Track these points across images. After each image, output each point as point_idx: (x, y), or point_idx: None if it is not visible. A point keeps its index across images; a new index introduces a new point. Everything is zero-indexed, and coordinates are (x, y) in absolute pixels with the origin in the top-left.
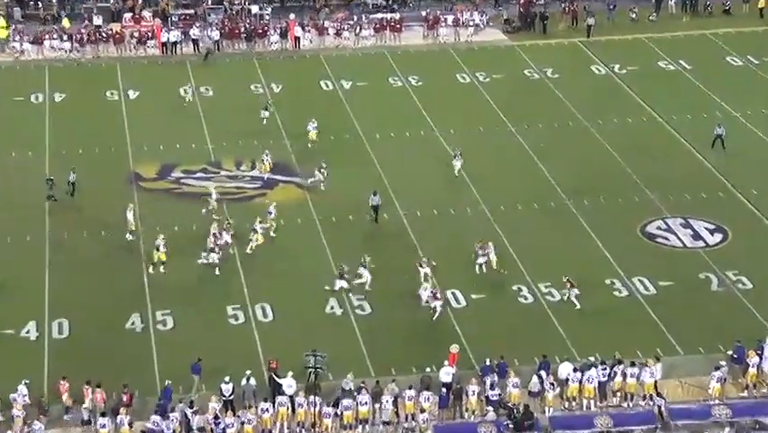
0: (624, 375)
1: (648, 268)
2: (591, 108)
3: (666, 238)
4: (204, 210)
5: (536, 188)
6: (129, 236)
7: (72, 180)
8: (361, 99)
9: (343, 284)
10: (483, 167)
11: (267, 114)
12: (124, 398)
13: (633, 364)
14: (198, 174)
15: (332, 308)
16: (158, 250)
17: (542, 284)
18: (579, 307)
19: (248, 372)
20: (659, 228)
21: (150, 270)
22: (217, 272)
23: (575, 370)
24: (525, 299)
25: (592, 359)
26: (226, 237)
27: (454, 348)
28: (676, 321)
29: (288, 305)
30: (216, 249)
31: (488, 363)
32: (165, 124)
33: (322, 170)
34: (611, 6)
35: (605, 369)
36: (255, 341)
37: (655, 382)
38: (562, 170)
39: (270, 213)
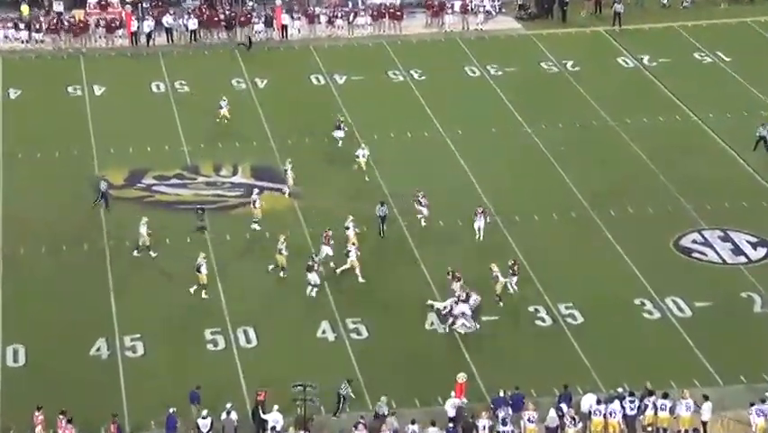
0: (655, 408)
1: (683, 287)
2: (618, 106)
3: (703, 253)
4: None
5: (556, 197)
6: (136, 253)
7: (103, 190)
8: (357, 96)
9: (315, 279)
10: (495, 172)
11: (341, 134)
12: (112, 428)
13: (666, 396)
14: (173, 180)
15: (323, 332)
16: (199, 271)
17: (562, 305)
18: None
19: (228, 405)
20: (695, 242)
21: (200, 292)
22: (313, 294)
23: (599, 402)
24: (543, 321)
25: (619, 390)
26: (327, 250)
27: (461, 377)
28: (714, 347)
29: (274, 329)
30: (315, 265)
31: (501, 394)
32: (135, 124)
33: (286, 171)
34: None
35: (633, 401)
36: (237, 369)
37: (704, 423)
38: (584, 175)
39: (348, 228)
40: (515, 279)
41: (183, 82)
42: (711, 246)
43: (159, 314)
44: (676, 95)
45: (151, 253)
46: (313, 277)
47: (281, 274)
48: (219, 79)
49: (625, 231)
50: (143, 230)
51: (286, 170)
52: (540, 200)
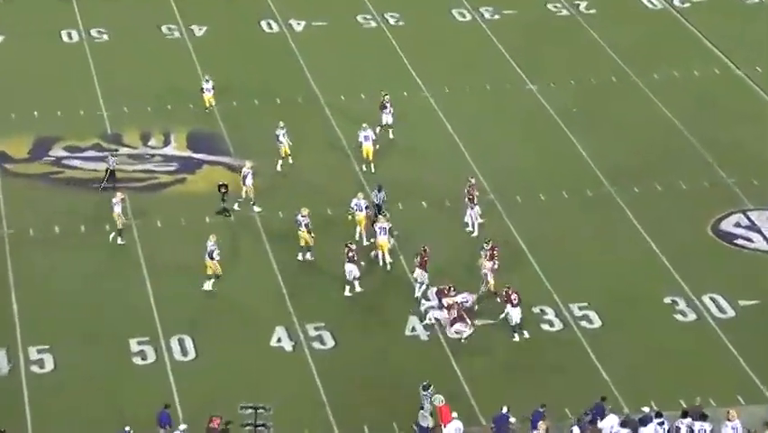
0: (691, 431)
1: (724, 281)
2: (642, 57)
3: (748, 239)
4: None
5: (566, 171)
6: (120, 240)
7: (112, 167)
8: (319, 47)
9: (354, 271)
10: (491, 141)
11: (389, 118)
12: None
13: (703, 417)
14: (88, 152)
15: (278, 340)
16: (212, 258)
17: (575, 305)
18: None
19: (161, 431)
20: (738, 225)
21: (209, 286)
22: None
23: (623, 424)
24: (552, 325)
25: (646, 410)
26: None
27: (438, 400)
28: (763, 354)
29: (217, 337)
30: (353, 257)
31: (504, 410)
32: (41, 82)
33: (280, 137)
34: None
35: (662, 423)
36: (170, 388)
37: None
38: (602, 144)
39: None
40: (489, 266)
41: (101, 30)
42: (758, 231)
43: (72, 320)
44: (714, 42)
45: (120, 239)
46: (351, 269)
47: (208, 284)
48: (145, 26)
49: (652, 212)
50: (118, 209)
51: (277, 136)
52: (547, 176)
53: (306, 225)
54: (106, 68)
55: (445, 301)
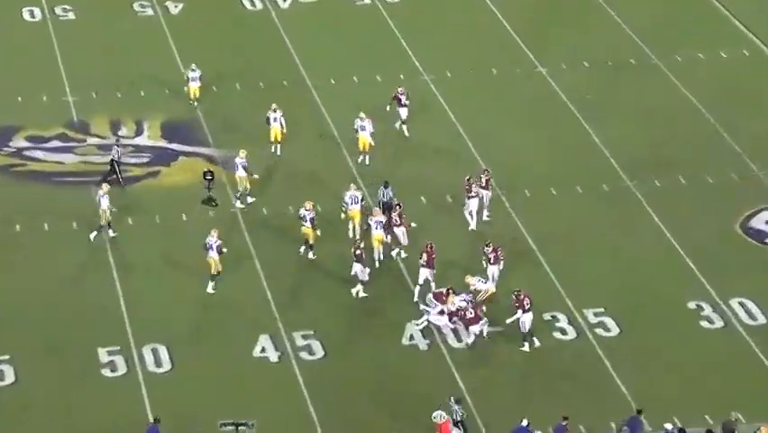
0: None
1: (754, 284)
2: (664, 37)
3: None
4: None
5: (580, 163)
6: (110, 232)
7: (116, 158)
8: (307, 25)
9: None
10: (497, 131)
11: (404, 111)
12: None
13: None
14: (53, 143)
15: (263, 350)
16: (220, 252)
17: (590, 311)
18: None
19: None
20: None
21: (210, 289)
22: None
23: None
24: (564, 333)
25: (668, 427)
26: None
27: (439, 417)
28: None
29: (195, 346)
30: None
31: (525, 423)
32: (0, 65)
33: (271, 120)
34: None
35: None
36: (143, 402)
37: None
38: (619, 132)
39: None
40: (495, 269)
41: (67, 7)
42: None
43: (35, 327)
44: (743, 21)
45: (111, 232)
46: (359, 269)
47: (211, 286)
48: (116, 3)
49: (675, 208)
50: (105, 203)
51: (269, 119)
52: (559, 168)
53: (312, 220)
54: (72, 49)
55: (446, 308)
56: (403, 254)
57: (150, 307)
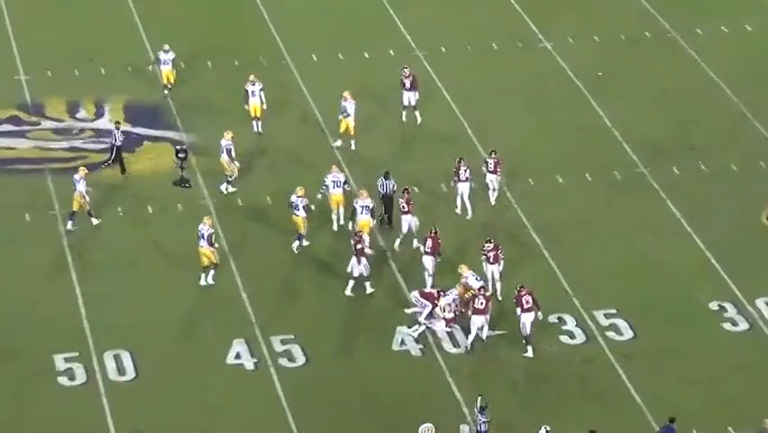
0: None
1: None
2: (684, 8)
3: None
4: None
5: (590, 148)
6: (70, 226)
7: (119, 143)
8: None
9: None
10: (498, 112)
11: (412, 95)
12: None
13: None
14: (4, 126)
15: (237, 356)
16: (212, 245)
17: (600, 312)
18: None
19: None
20: None
21: (208, 280)
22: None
23: None
24: (572, 336)
25: None
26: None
27: (427, 429)
28: None
29: (161, 352)
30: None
31: (545, 431)
32: None
33: (250, 94)
34: None
35: None
36: (103, 414)
37: None
38: (633, 114)
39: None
40: (495, 269)
41: None
42: None
43: None
44: None
45: (94, 219)
46: (363, 267)
47: (205, 278)
48: None
49: (696, 199)
50: (81, 187)
51: (247, 93)
52: (566, 153)
53: (305, 208)
54: (25, 22)
55: (439, 312)
56: (415, 244)
57: (113, 309)
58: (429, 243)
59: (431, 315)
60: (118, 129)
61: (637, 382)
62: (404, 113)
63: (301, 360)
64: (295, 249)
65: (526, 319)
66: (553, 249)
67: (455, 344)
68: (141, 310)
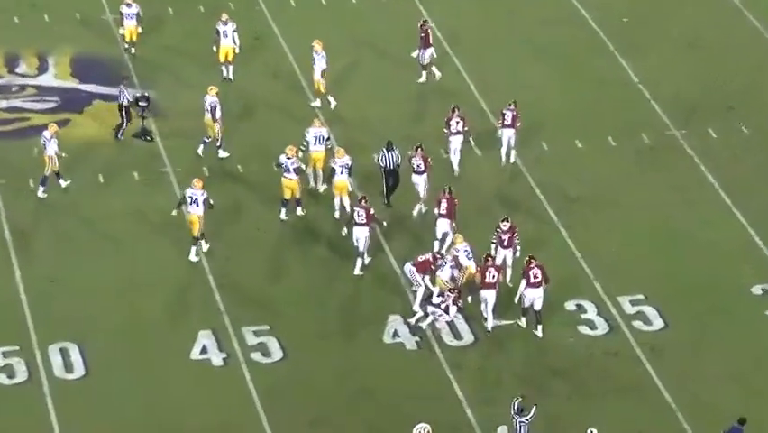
0: None
1: None
2: None
3: None
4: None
5: (614, 107)
6: (42, 193)
7: (128, 102)
8: None
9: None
10: (506, 67)
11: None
12: None
13: None
14: None
15: (203, 350)
16: (198, 204)
17: (626, 298)
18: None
19: None
20: None
21: (197, 254)
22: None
23: None
24: (593, 327)
25: None
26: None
27: (421, 430)
28: None
29: (115, 346)
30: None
31: None
32: None
33: (224, 29)
34: None
35: None
36: (47, 417)
37: None
38: (664, 69)
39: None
40: (509, 254)
41: None
42: None
43: None
44: None
45: (62, 181)
46: (361, 236)
47: (195, 252)
48: None
49: (735, 166)
50: (52, 149)
51: (218, 33)
52: (586, 114)
53: (297, 170)
54: None
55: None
56: (423, 209)
57: (59, 296)
58: (444, 205)
59: (430, 302)
60: (125, 87)
61: (668, 378)
62: (423, 73)
63: (277, 354)
64: (283, 216)
65: (531, 295)
66: (570, 225)
67: (456, 335)
68: (92, 297)
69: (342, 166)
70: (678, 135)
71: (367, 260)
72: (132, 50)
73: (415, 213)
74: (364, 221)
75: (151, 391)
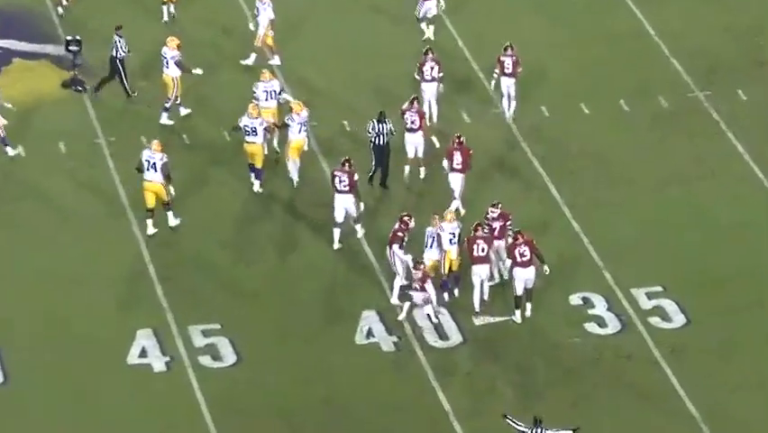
0: None
1: None
2: None
3: None
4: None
5: (626, 64)
6: (8, 151)
7: (120, 54)
8: None
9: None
10: (502, 15)
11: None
12: None
13: None
14: None
15: (143, 352)
16: (168, 178)
17: (641, 290)
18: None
19: None
20: None
21: (151, 229)
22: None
23: None
24: (602, 324)
25: None
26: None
27: None
28: None
29: (36, 350)
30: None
31: None
32: None
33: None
34: None
35: None
36: None
37: None
38: (685, 18)
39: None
40: (500, 245)
41: None
42: None
43: None
44: None
45: (10, 149)
46: (345, 204)
47: (150, 225)
48: None
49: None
50: None
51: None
52: (594, 74)
53: (266, 132)
54: None
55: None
56: (421, 172)
57: None
58: (458, 157)
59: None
60: (120, 36)
61: (690, 384)
62: (423, 25)
63: (230, 358)
64: (257, 188)
65: (521, 276)
66: (575, 204)
67: (442, 335)
68: (10, 290)
69: (301, 123)
70: (701, 98)
71: (360, 232)
72: (61, 8)
73: (406, 175)
74: (347, 188)
75: (81, 402)
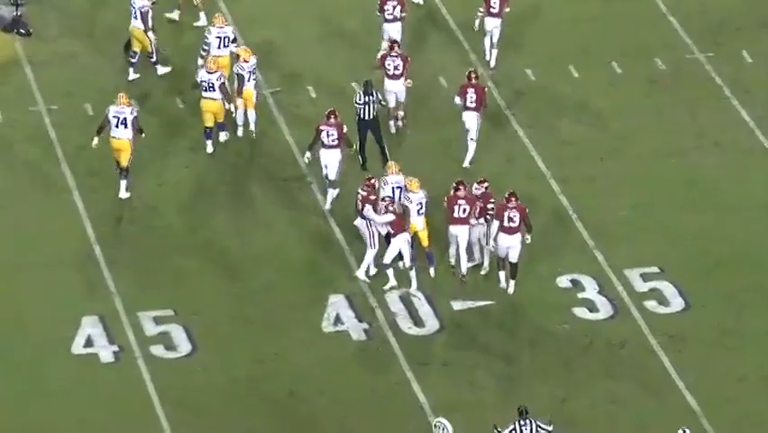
0: None
1: None
2: None
3: None
4: None
5: (619, 24)
6: None
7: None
8: None
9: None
10: None
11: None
12: None
13: None
14: None
15: (89, 342)
16: (120, 127)
17: (635, 270)
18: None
19: None
20: None
21: (124, 192)
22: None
23: None
24: (592, 308)
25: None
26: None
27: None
28: None
29: None
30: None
31: None
32: None
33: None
34: None
35: None
36: None
37: None
38: None
39: None
40: (481, 230)
41: None
42: None
43: None
44: None
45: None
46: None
47: (123, 188)
48: None
49: None
50: None
51: None
52: (584, 33)
53: (223, 88)
54: None
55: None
56: (401, 123)
57: None
58: (472, 94)
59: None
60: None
61: (690, 374)
62: None
63: (185, 347)
64: (210, 148)
65: (504, 243)
66: (564, 178)
67: (417, 321)
68: None
69: (251, 72)
70: (703, 59)
71: (335, 192)
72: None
73: (392, 126)
74: (335, 142)
75: (21, 395)
